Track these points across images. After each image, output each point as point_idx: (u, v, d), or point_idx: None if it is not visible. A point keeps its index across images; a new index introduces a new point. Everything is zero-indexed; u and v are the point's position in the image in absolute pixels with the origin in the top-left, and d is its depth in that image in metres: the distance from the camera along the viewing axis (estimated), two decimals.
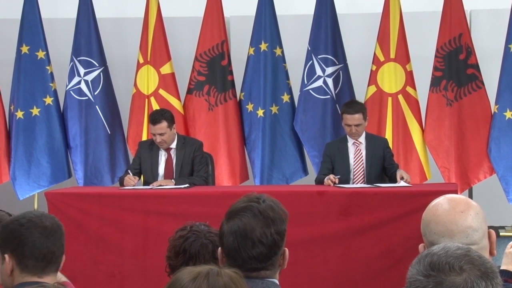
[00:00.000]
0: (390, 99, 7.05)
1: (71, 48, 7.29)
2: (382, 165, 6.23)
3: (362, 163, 6.26)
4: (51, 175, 7.20)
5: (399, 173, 5.98)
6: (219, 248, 2.43)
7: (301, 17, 7.56)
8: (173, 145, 6.42)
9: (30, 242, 2.41)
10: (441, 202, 2.21)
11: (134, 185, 6.11)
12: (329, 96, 7.13)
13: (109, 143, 7.29)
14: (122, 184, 6.33)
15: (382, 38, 7.07)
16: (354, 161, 6.27)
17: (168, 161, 6.42)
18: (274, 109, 7.23)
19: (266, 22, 7.25)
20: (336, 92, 7.14)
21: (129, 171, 6.34)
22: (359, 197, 5.58)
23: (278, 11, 7.26)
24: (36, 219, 2.46)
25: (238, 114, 7.28)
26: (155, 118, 6.31)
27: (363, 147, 6.30)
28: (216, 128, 7.25)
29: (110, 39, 7.62)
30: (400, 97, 7.04)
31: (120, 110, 7.35)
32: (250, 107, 7.25)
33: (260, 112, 7.21)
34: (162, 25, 7.33)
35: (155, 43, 7.32)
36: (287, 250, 2.47)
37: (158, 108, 7.03)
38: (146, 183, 6.41)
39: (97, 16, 7.33)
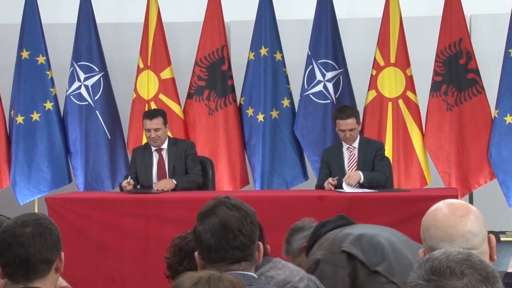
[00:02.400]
0: (390, 103, 7.06)
1: (71, 53, 7.31)
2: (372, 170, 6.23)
3: (356, 168, 6.27)
4: (51, 180, 7.21)
5: (350, 175, 6.02)
6: (195, 252, 2.47)
7: (301, 21, 7.57)
8: (164, 146, 6.48)
9: (3, 250, 2.43)
10: (440, 206, 2.22)
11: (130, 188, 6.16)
12: (329, 101, 7.15)
13: (109, 148, 7.30)
14: (122, 190, 6.36)
15: (382, 42, 7.08)
16: (348, 166, 6.29)
17: (160, 161, 6.46)
18: (274, 113, 7.24)
19: (266, 26, 7.26)
20: (336, 96, 7.15)
21: (129, 177, 6.35)
22: (360, 202, 5.59)
23: (278, 16, 7.27)
24: (13, 226, 2.44)
25: (238, 119, 7.29)
26: (151, 113, 6.48)
27: (356, 152, 6.32)
28: (216, 133, 7.25)
29: (110, 44, 7.64)
30: (400, 101, 7.05)
31: (120, 115, 7.36)
32: (250, 111, 7.26)
33: (260, 117, 7.22)
34: (162, 30, 7.35)
35: (155, 48, 7.33)
36: (261, 244, 2.56)
37: None
38: (142, 186, 6.43)
39: (97, 21, 7.34)
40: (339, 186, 6.06)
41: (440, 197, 2.49)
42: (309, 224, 4.25)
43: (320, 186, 6.21)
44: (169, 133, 6.72)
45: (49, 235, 2.45)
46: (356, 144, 6.33)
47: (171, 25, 7.56)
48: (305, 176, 7.25)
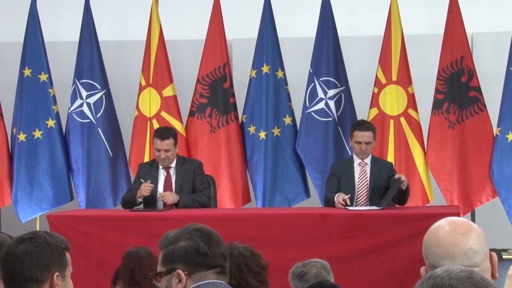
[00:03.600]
0: (392, 121, 7.07)
1: (73, 70, 7.33)
2: (386, 188, 6.22)
3: (366, 184, 6.28)
4: (53, 197, 7.21)
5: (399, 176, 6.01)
6: (177, 271, 2.36)
7: (302, 39, 7.60)
8: (173, 164, 6.48)
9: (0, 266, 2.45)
10: (442, 224, 2.23)
11: (150, 190, 6.18)
12: (331, 119, 7.16)
13: (111, 165, 7.31)
14: (127, 204, 6.36)
15: (384, 60, 7.10)
16: (358, 182, 6.29)
17: (167, 178, 6.46)
18: (276, 131, 7.25)
19: (268, 44, 7.29)
20: (338, 114, 7.16)
21: (141, 180, 6.32)
22: (362, 219, 5.60)
23: (280, 34, 7.30)
24: (10, 242, 2.45)
25: (240, 137, 7.30)
26: (163, 133, 6.45)
27: (368, 168, 6.32)
28: (218, 150, 7.26)
29: (113, 61, 7.66)
30: (402, 119, 7.06)
31: (122, 132, 7.37)
32: (252, 129, 7.27)
33: (262, 135, 7.23)
34: (164, 47, 7.37)
35: (157, 66, 7.35)
36: None
37: None
38: (145, 203, 6.43)
39: (99, 39, 7.37)
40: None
41: (442, 215, 2.50)
42: (312, 271, 4.11)
43: (330, 198, 6.17)
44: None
45: (39, 254, 2.41)
46: (368, 160, 6.34)
47: (173, 43, 7.59)
48: (307, 194, 7.24)
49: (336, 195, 6.03)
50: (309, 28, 7.38)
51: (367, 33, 7.65)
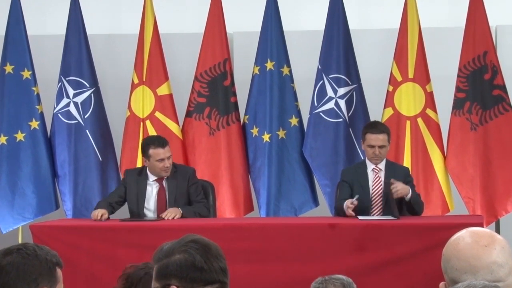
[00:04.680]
0: (408, 122, 7.07)
1: (59, 67, 7.33)
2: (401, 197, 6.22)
3: (381, 192, 6.26)
4: (36, 206, 7.21)
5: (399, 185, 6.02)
6: (172, 287, 2.37)
7: (310, 33, 7.60)
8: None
9: None
10: (463, 235, 2.23)
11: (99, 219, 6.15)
12: (341, 119, 7.16)
13: (100, 171, 7.31)
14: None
15: (400, 56, 7.10)
16: (372, 189, 6.28)
17: (161, 193, 6.44)
18: (281, 133, 7.26)
19: (272, 38, 7.29)
20: (349, 115, 7.17)
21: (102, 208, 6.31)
22: (375, 230, 5.60)
23: (285, 27, 7.31)
24: None
25: (242, 139, 7.31)
26: (162, 140, 6.45)
27: (382, 175, 6.30)
28: (217, 154, 7.27)
29: (102, 57, 7.67)
30: (419, 120, 7.07)
31: (112, 135, 7.38)
32: (255, 131, 7.28)
33: (266, 137, 7.24)
34: (159, 42, 7.38)
35: (151, 62, 7.36)
36: None
37: (154, 133, 7.08)
38: (131, 214, 6.45)
39: (88, 32, 7.37)
40: (360, 210, 6.04)
41: (463, 225, 2.51)
42: None
43: (339, 207, 6.18)
44: None
45: (27, 267, 2.43)
46: (382, 166, 6.33)
47: (169, 37, 7.60)
48: (315, 202, 7.25)
49: (345, 203, 6.03)
50: (318, 20, 7.38)
51: (381, 26, 7.65)
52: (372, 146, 6.26)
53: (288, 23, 7.39)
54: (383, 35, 7.53)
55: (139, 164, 7.11)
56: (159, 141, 6.44)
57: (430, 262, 5.22)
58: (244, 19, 7.69)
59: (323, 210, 7.08)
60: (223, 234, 5.51)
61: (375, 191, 6.30)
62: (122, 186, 6.57)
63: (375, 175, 6.33)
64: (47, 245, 5.51)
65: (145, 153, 6.45)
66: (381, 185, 6.27)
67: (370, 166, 6.34)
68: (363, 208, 6.09)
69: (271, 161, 7.21)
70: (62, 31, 7.40)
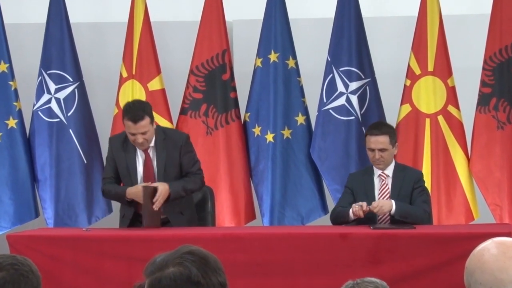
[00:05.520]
0: (428, 121, 7.08)
1: (39, 59, 7.35)
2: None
3: None
4: (14, 214, 7.22)
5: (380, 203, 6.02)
6: None
7: (318, 21, 7.61)
8: (152, 143, 6.25)
9: None
10: (488, 246, 2.24)
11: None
12: (353, 117, 7.17)
13: (85, 174, 7.32)
14: (113, 199, 6.40)
15: (418, 46, 7.11)
16: (378, 199, 6.24)
17: (147, 163, 6.29)
18: (287, 133, 7.26)
19: (276, 27, 7.30)
20: (362, 112, 7.17)
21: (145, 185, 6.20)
22: (391, 240, 5.59)
23: (290, 14, 7.32)
24: None
25: (242, 139, 7.32)
26: (136, 114, 6.12)
27: (390, 182, 6.28)
28: (216, 156, 7.28)
29: (87, 48, 7.68)
30: (440, 118, 7.07)
31: (99, 134, 7.39)
32: (257, 130, 7.29)
33: (270, 137, 7.25)
34: (150, 31, 7.39)
35: (142, 53, 7.37)
36: None
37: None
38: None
39: (71, 20, 7.39)
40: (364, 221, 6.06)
41: (489, 234, 2.51)
42: None
43: (339, 213, 6.20)
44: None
45: (24, 285, 2.46)
46: (389, 171, 6.31)
47: (161, 25, 7.61)
48: (324, 209, 7.25)
49: (351, 210, 6.04)
50: (327, 7, 7.39)
51: (397, 13, 7.66)
52: (372, 150, 6.24)
53: (294, 10, 7.40)
54: (400, 23, 7.53)
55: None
56: (133, 113, 6.12)
57: (451, 276, 5.22)
58: (245, 5, 7.70)
59: None
60: (222, 245, 5.52)
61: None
62: (111, 161, 6.36)
63: (381, 183, 6.30)
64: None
65: (122, 119, 6.26)
66: (388, 193, 6.24)
67: (376, 172, 6.32)
68: (368, 219, 6.08)
69: (275, 164, 7.22)
70: (43, 19, 7.40)
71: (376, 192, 6.28)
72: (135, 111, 6.14)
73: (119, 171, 6.34)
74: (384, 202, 6.06)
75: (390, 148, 6.24)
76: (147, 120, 6.12)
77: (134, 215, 6.29)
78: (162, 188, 6.07)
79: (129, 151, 6.30)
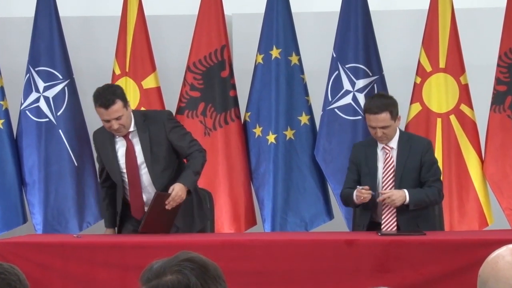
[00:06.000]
0: (439, 120, 7.09)
1: (27, 56, 7.36)
2: (419, 178, 6.21)
3: (393, 176, 6.21)
4: (0, 220, 7.22)
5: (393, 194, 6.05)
6: None
7: (323, 15, 7.62)
8: (131, 128, 6.24)
9: None
10: (502, 253, 2.25)
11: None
12: (360, 117, 7.17)
13: (75, 178, 7.32)
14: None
15: (429, 42, 7.12)
16: (383, 173, 6.24)
17: (129, 149, 6.25)
18: (289, 133, 7.27)
19: (278, 21, 7.31)
20: None
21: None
22: (400, 247, 5.60)
23: (293, 8, 7.32)
24: None
25: (242, 140, 7.33)
26: (106, 99, 6.10)
27: (394, 154, 6.26)
28: (214, 158, 7.27)
29: (78, 43, 7.68)
30: (452, 118, 7.08)
31: (90, 135, 7.38)
32: (258, 131, 7.30)
33: (271, 138, 7.26)
34: (145, 25, 7.40)
35: (136, 49, 7.38)
36: None
37: None
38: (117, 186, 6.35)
39: (61, 14, 7.39)
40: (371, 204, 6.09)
41: (503, 241, 2.52)
42: None
43: (346, 194, 6.23)
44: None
45: None
46: (394, 143, 6.27)
47: (156, 19, 7.61)
48: (329, 215, 7.26)
49: (354, 194, 6.08)
50: (332, 0, 7.40)
51: (407, 6, 7.67)
52: (373, 127, 6.22)
53: (297, 3, 7.41)
54: (410, 17, 7.55)
55: None
56: (103, 98, 6.11)
57: (464, 285, 5.23)
58: None
59: (338, 224, 7.10)
60: (221, 252, 5.52)
61: (386, 175, 6.24)
62: (99, 159, 6.42)
63: (385, 155, 6.27)
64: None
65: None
66: (393, 167, 6.23)
67: (380, 145, 6.29)
68: (373, 201, 6.10)
69: (277, 166, 7.22)
70: (31, 12, 7.41)
71: (380, 165, 6.25)
72: (105, 96, 6.13)
73: (106, 166, 6.36)
74: (397, 195, 6.04)
75: (392, 124, 6.18)
76: (119, 104, 6.11)
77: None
78: (177, 189, 6.09)
79: (109, 143, 6.29)
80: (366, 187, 6.06)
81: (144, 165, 6.26)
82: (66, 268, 5.77)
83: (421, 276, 5.50)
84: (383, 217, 6.15)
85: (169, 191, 6.08)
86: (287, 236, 6.46)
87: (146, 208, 6.21)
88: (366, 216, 6.26)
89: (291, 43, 7.31)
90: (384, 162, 6.24)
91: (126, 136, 6.25)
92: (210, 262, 2.43)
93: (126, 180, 6.30)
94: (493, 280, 2.21)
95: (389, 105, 6.22)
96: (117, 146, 6.28)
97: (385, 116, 6.16)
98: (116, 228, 6.42)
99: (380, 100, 6.28)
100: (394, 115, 6.21)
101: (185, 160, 6.38)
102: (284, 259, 5.66)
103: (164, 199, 6.06)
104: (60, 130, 7.32)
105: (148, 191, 6.27)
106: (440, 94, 7.11)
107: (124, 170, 6.28)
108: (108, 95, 6.12)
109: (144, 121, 6.25)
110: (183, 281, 2.37)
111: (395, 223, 6.13)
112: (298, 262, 5.63)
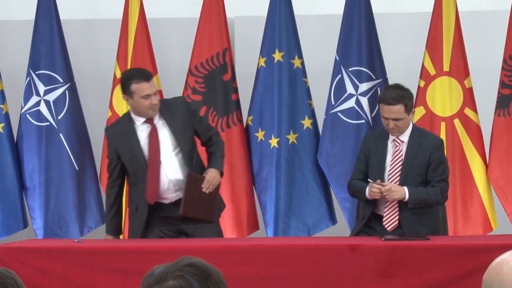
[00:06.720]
0: (443, 124, 7.09)
1: (27, 59, 7.36)
2: (425, 175, 6.20)
3: (400, 169, 6.20)
4: (1, 224, 7.23)
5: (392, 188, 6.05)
6: None
7: (326, 17, 7.62)
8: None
9: None
10: (507, 258, 2.24)
11: None
12: (363, 121, 7.18)
13: (76, 182, 7.33)
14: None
15: (433, 45, 7.12)
16: (390, 165, 6.23)
17: (153, 134, 6.18)
18: (292, 137, 7.27)
19: (281, 24, 7.31)
20: (372, 115, 7.19)
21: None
22: (403, 253, 5.60)
23: (296, 11, 7.32)
24: None
25: (244, 144, 7.33)
26: (146, 72, 6.22)
27: (404, 148, 6.24)
28: None
29: (79, 47, 7.69)
30: (456, 121, 7.08)
31: (91, 139, 7.40)
32: (260, 135, 7.30)
33: (274, 142, 7.26)
34: (146, 28, 7.40)
35: (137, 52, 7.38)
36: None
37: None
38: (135, 176, 6.25)
39: (61, 17, 7.40)
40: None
41: (508, 246, 2.52)
42: None
43: (356, 187, 6.24)
44: None
45: None
46: (405, 137, 6.25)
47: (158, 22, 7.62)
48: (332, 219, 7.26)
49: (367, 189, 6.09)
50: (335, 2, 7.41)
51: (410, 9, 7.67)
52: (386, 118, 6.21)
53: (300, 6, 7.41)
54: (413, 20, 7.55)
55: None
56: (143, 73, 6.18)
57: None
58: (247, 1, 7.71)
59: (341, 229, 7.09)
60: (224, 257, 5.52)
61: (393, 168, 6.23)
62: (113, 152, 6.30)
63: (395, 148, 6.25)
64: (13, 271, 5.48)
65: (126, 90, 6.16)
66: (402, 160, 6.21)
67: (391, 137, 6.27)
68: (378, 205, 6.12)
69: (279, 171, 7.22)
70: (31, 15, 7.42)
71: (389, 158, 6.22)
72: (143, 70, 6.30)
73: (123, 157, 6.25)
74: (396, 189, 6.05)
75: (406, 116, 6.15)
76: (154, 79, 6.32)
77: (149, 208, 6.25)
78: (211, 172, 6.16)
79: (130, 133, 6.22)
80: (379, 181, 6.06)
81: (174, 146, 6.21)
82: (67, 273, 5.77)
83: (425, 281, 5.50)
84: (385, 211, 6.14)
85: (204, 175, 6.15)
86: (289, 241, 6.46)
87: (161, 193, 6.17)
88: (369, 208, 6.25)
89: (293, 46, 7.31)
90: (393, 155, 6.23)
91: (150, 122, 6.20)
92: (212, 267, 2.43)
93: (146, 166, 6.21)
94: (497, 285, 2.21)
95: (404, 97, 6.18)
96: (138, 132, 6.23)
97: (398, 108, 6.13)
98: (140, 232, 6.29)
99: (396, 91, 6.23)
100: (409, 108, 6.18)
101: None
102: (286, 264, 5.66)
103: (198, 181, 6.09)
104: (60, 134, 7.32)
105: (179, 173, 6.21)
106: (444, 97, 7.11)
107: (147, 153, 6.20)
108: (145, 71, 6.28)
109: (165, 105, 6.25)
110: (185, 287, 2.37)
111: (397, 218, 6.13)
112: (301, 267, 5.63)
